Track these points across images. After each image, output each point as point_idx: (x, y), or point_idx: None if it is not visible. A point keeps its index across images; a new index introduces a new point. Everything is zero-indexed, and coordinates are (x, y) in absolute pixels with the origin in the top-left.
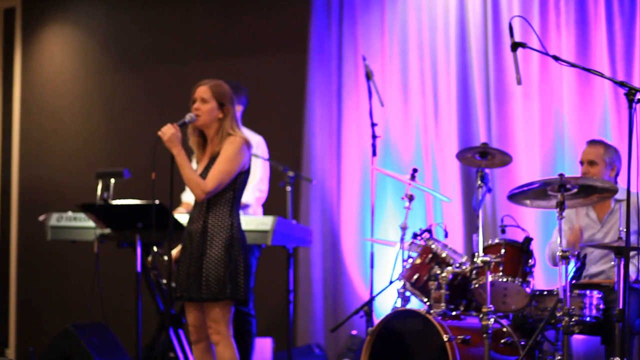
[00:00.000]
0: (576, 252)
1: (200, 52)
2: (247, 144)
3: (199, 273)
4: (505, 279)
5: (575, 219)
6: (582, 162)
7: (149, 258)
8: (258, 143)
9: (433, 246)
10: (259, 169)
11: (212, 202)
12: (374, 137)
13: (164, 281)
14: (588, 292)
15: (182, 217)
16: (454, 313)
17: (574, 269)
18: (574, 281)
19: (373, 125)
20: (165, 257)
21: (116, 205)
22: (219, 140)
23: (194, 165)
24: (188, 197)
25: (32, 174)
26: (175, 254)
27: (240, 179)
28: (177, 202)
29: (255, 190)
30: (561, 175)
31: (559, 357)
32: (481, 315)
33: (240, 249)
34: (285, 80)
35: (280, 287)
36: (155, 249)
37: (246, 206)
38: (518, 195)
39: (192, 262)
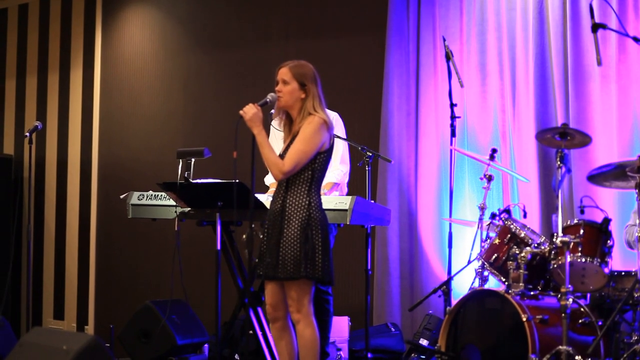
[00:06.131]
0: None
1: (280, 33)
2: (326, 124)
3: (277, 252)
4: (583, 259)
5: None
6: None
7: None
8: (336, 120)
9: (512, 226)
10: (340, 147)
11: (291, 182)
12: (453, 117)
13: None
14: None
15: (261, 196)
16: (532, 293)
17: None
18: None
19: (452, 105)
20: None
21: (197, 184)
22: (300, 120)
23: (281, 145)
24: (270, 180)
25: (112, 154)
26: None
27: (320, 159)
28: (258, 180)
29: (337, 169)
30: None
31: (636, 337)
32: (559, 295)
33: (319, 229)
34: (364, 61)
35: (358, 266)
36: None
37: (335, 184)
38: (597, 176)
39: (271, 241)
